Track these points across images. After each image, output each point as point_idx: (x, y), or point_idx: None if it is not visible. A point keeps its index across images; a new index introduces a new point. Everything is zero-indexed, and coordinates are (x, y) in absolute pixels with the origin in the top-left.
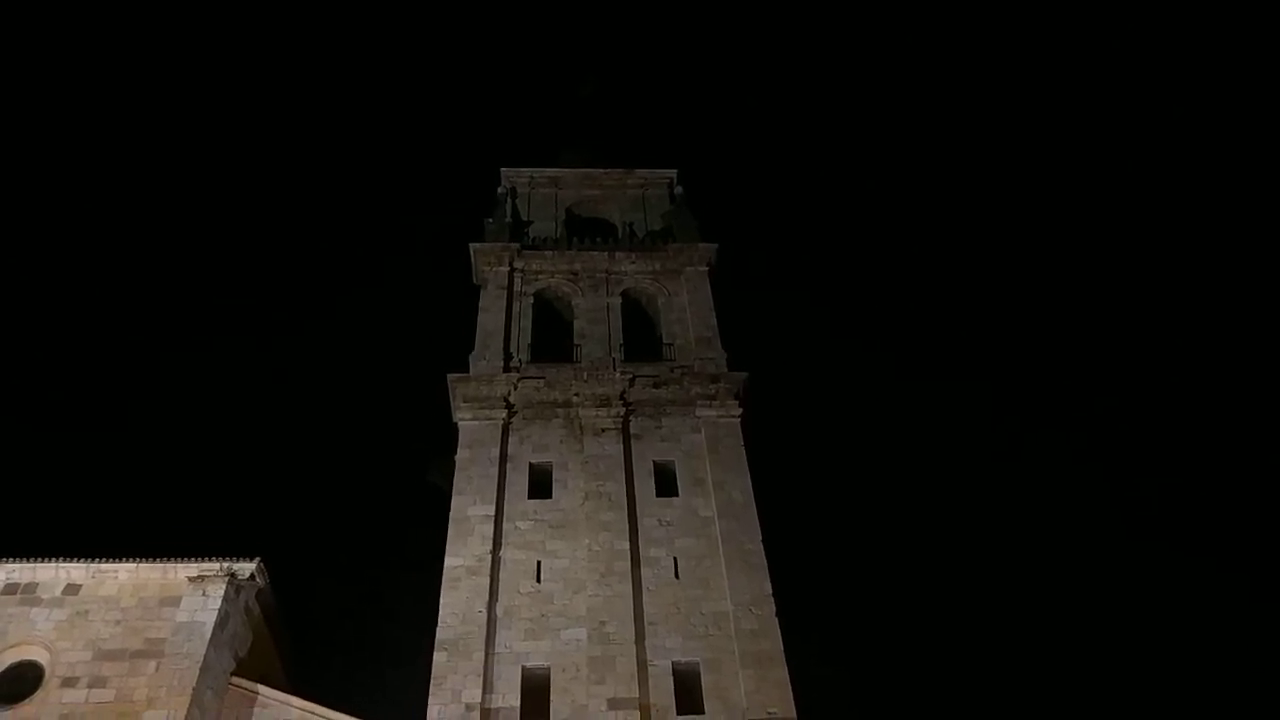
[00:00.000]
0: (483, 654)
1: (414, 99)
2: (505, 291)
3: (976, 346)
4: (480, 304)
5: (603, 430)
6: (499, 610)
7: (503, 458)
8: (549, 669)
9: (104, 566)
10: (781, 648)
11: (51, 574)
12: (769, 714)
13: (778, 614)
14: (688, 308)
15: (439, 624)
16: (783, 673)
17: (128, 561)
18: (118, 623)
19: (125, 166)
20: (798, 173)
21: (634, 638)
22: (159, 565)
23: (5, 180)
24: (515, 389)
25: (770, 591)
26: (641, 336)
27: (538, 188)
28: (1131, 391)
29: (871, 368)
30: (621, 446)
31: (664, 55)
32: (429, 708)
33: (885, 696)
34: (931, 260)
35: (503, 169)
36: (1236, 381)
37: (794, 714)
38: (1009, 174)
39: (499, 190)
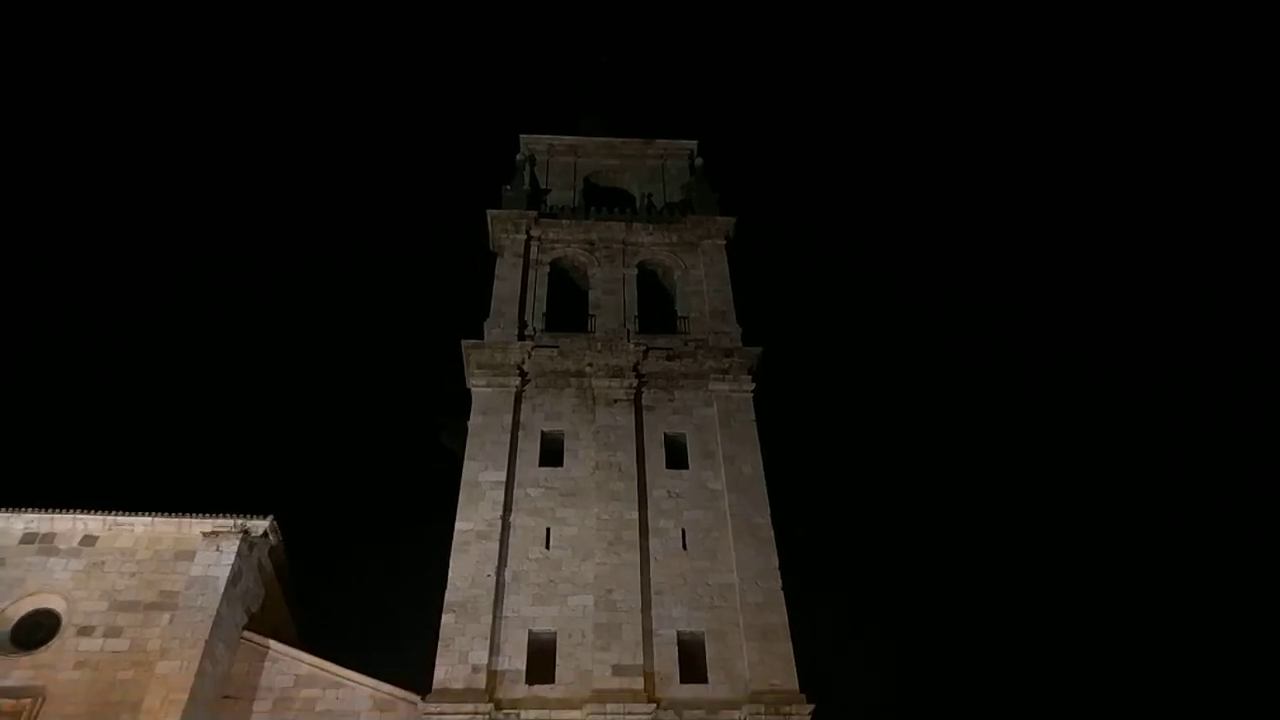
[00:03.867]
0: (490, 617)
1: (436, 64)
2: (521, 259)
3: (992, 326)
4: (496, 271)
5: (615, 401)
6: (508, 575)
7: (515, 425)
8: (555, 634)
9: (120, 519)
10: (786, 621)
11: (69, 525)
12: (772, 686)
13: (783, 588)
14: (704, 281)
15: (448, 586)
16: (787, 646)
17: (144, 515)
18: (133, 574)
19: (153, 132)
20: (817, 147)
21: (640, 606)
22: (174, 520)
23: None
24: (529, 357)
25: (777, 565)
26: (657, 308)
27: (556, 155)
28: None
29: (887, 345)
30: (633, 417)
31: (686, 26)
32: (436, 668)
33: (889, 672)
34: (949, 241)
35: (522, 136)
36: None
37: (796, 687)
38: (1034, 158)
39: (518, 157)
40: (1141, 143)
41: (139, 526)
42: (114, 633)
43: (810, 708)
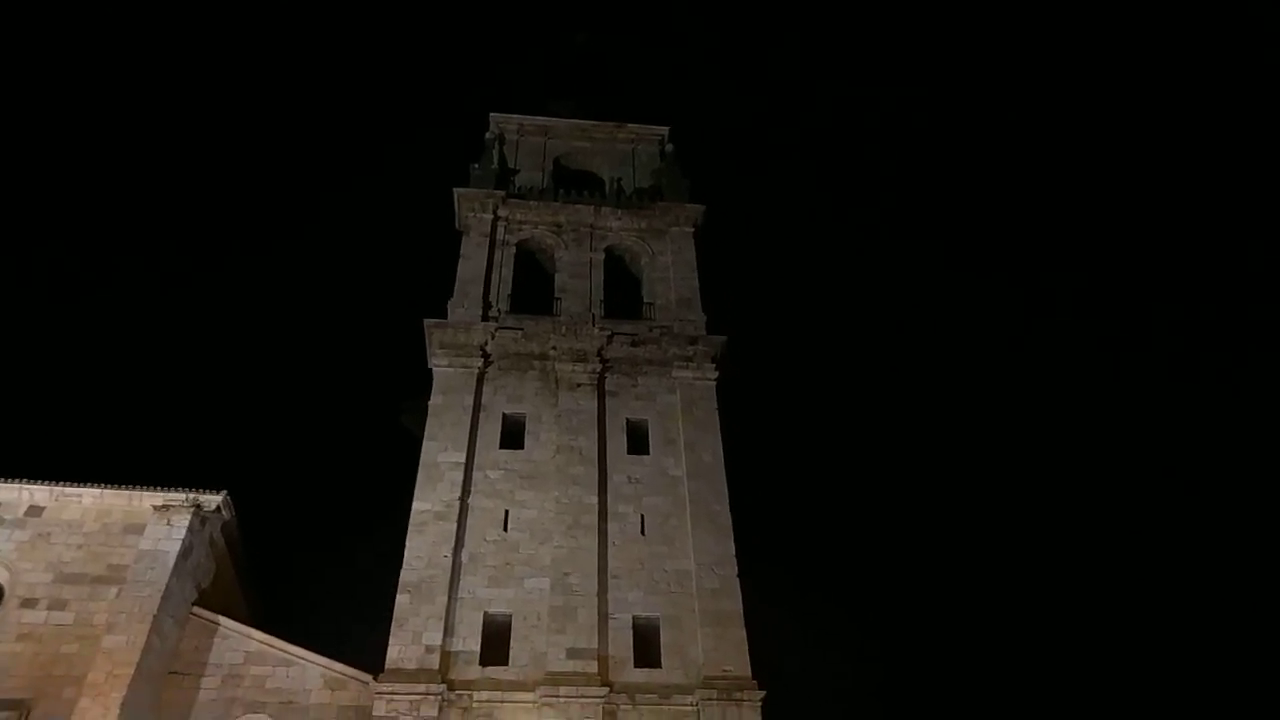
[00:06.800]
0: (446, 598)
1: (407, 39)
2: (488, 239)
3: (956, 316)
4: (461, 250)
5: (578, 385)
6: (464, 556)
7: (476, 406)
8: (511, 616)
9: (68, 490)
10: (741, 608)
11: (14, 494)
12: (724, 671)
13: (739, 575)
14: (671, 268)
15: (403, 566)
16: (741, 632)
17: (93, 486)
18: (80, 547)
19: (116, 112)
20: (786, 137)
21: (596, 590)
22: (124, 492)
23: None
24: (492, 338)
25: (733, 553)
26: (623, 294)
27: (526, 136)
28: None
29: (850, 336)
30: (596, 402)
31: (659, 12)
32: (389, 648)
33: (841, 660)
34: (915, 234)
35: (492, 114)
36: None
37: (749, 673)
38: (1011, 159)
39: (487, 136)
40: (1101, 124)
41: (87, 498)
42: (59, 605)
43: (761, 694)
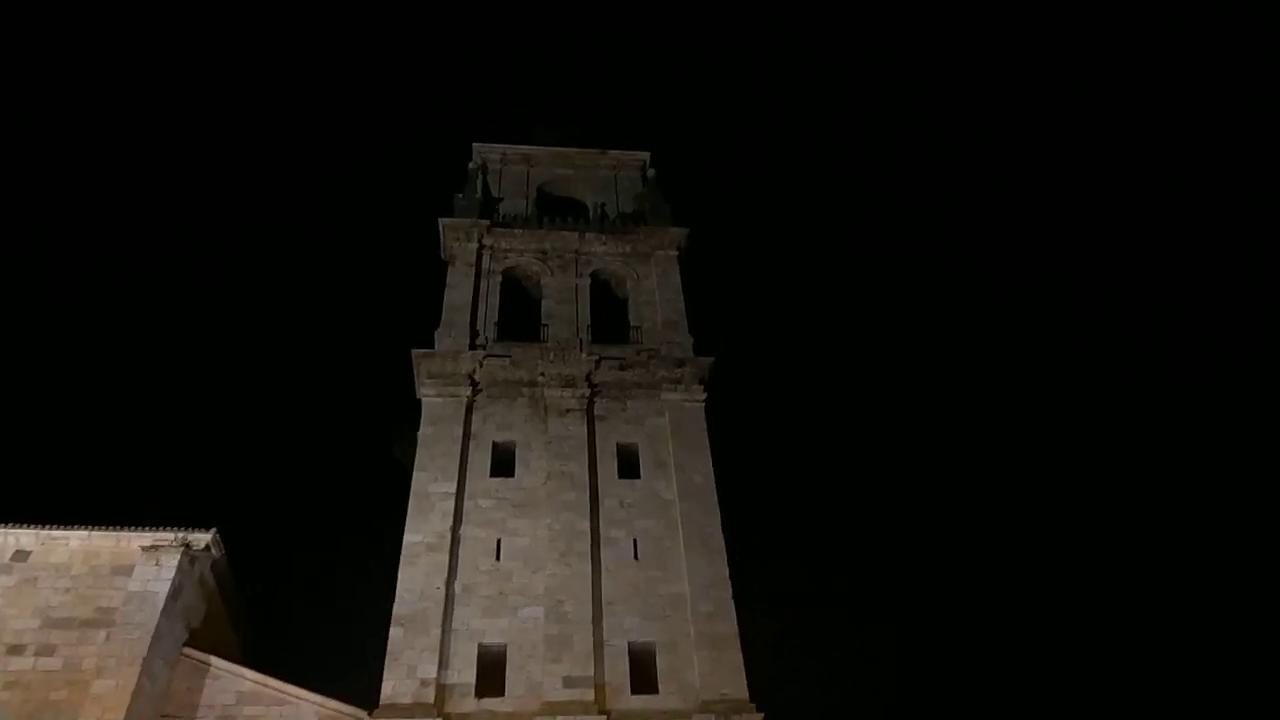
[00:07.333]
0: (439, 630)
1: (388, 70)
2: (473, 268)
3: (943, 333)
4: (448, 280)
5: (567, 411)
6: (457, 587)
7: (466, 435)
8: (505, 646)
9: (54, 533)
10: (737, 631)
11: (0, 539)
12: (722, 696)
13: (734, 597)
14: (656, 291)
15: (396, 600)
16: (737, 656)
17: (79, 529)
18: (67, 590)
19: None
20: (768, 160)
21: (591, 617)
22: (111, 534)
23: None
24: (480, 367)
25: (727, 575)
26: (609, 318)
27: (509, 164)
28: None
29: (837, 355)
30: (585, 427)
31: (640, 38)
32: (384, 682)
33: (839, 681)
34: (900, 250)
35: (475, 144)
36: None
37: (746, 695)
38: (997, 170)
39: (470, 166)
40: (1095, 126)
41: (74, 541)
42: (47, 651)
43: (759, 716)
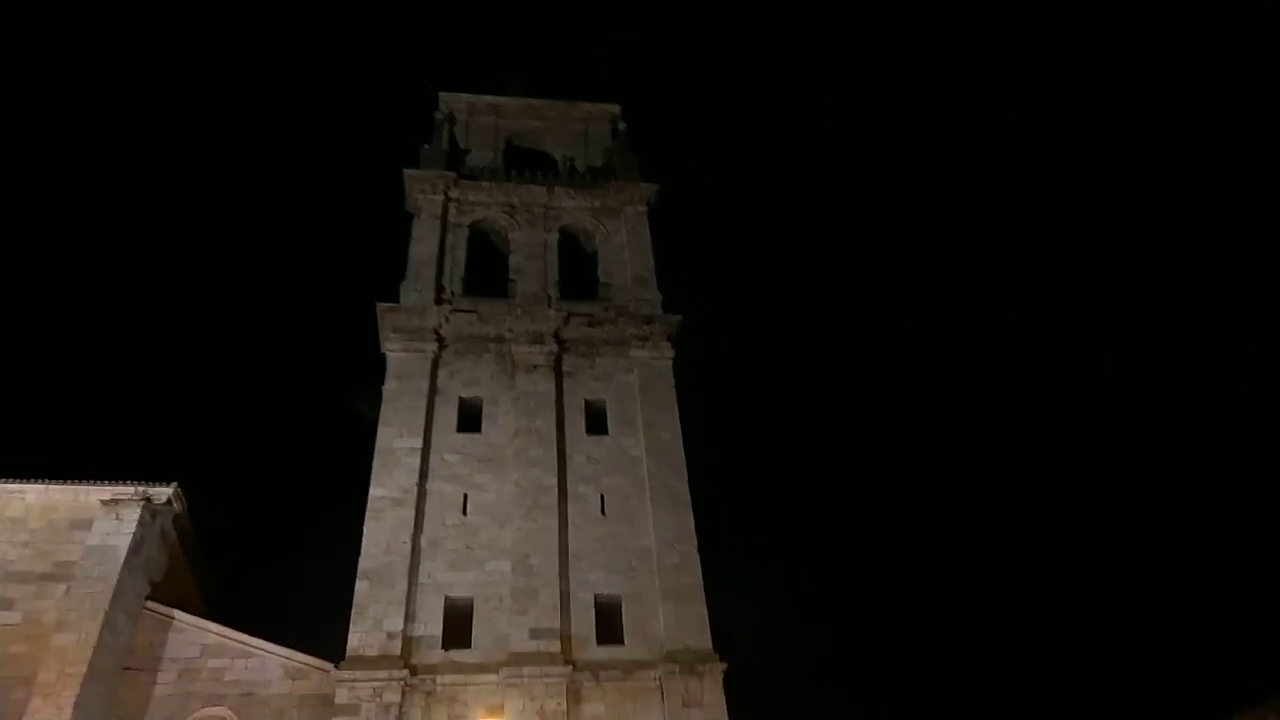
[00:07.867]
0: (406, 584)
1: (354, 16)
2: (439, 221)
3: (912, 293)
4: (413, 233)
5: (535, 367)
6: (424, 541)
7: (432, 390)
8: (472, 599)
9: (10, 487)
10: (701, 583)
11: None
12: (686, 646)
13: (699, 551)
14: (626, 247)
15: (362, 554)
16: (701, 608)
17: (36, 483)
18: (25, 544)
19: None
20: (739, 116)
21: (558, 571)
22: (70, 487)
23: None
24: (447, 321)
25: (693, 529)
26: (578, 274)
27: (477, 115)
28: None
29: (805, 313)
30: (553, 384)
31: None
32: (350, 635)
33: (799, 632)
34: (867, 211)
35: (441, 94)
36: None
37: (710, 646)
38: (962, 128)
39: (436, 116)
40: (1089, 123)
41: (31, 494)
42: (5, 605)
43: (723, 666)
